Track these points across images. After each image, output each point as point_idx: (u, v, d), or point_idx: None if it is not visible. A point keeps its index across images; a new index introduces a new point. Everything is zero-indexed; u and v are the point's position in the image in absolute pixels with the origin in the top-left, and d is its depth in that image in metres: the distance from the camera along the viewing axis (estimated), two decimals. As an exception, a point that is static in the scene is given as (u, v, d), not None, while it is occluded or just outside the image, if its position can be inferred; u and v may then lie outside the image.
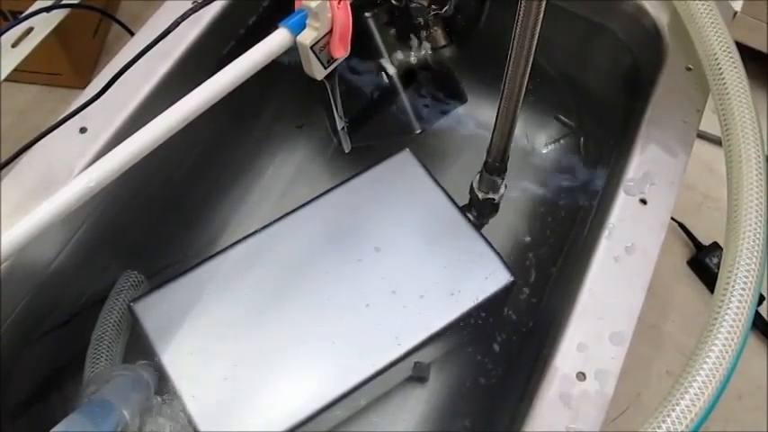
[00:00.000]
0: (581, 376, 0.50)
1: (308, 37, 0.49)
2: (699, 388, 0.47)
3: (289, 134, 0.82)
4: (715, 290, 0.51)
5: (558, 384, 0.50)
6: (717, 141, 0.96)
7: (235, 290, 0.66)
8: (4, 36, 0.68)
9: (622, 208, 0.57)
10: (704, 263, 0.93)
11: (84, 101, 0.54)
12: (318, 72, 0.52)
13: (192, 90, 0.47)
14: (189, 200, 0.76)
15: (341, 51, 0.52)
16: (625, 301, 0.53)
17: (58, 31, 0.71)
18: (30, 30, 0.70)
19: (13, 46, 0.69)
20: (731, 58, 0.61)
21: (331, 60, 0.52)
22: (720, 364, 0.47)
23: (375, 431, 0.68)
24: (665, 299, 0.94)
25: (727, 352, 0.48)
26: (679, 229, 0.97)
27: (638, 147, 0.61)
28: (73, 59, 1.01)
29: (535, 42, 0.51)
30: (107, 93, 0.55)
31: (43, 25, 0.70)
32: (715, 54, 0.61)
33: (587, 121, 0.81)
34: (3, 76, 0.67)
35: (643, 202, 0.58)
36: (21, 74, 1.02)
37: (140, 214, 0.71)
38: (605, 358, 0.51)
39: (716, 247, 0.94)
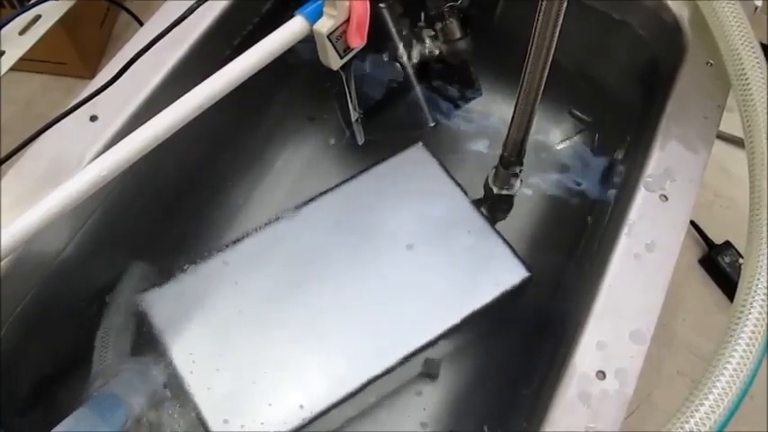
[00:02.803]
0: (600, 375, 0.49)
1: (324, 25, 0.48)
2: (719, 393, 0.46)
3: (300, 126, 0.81)
4: (736, 293, 0.50)
5: (577, 383, 0.49)
6: (729, 139, 0.96)
7: (245, 283, 0.65)
8: (11, 23, 0.67)
9: (642, 204, 0.56)
10: (716, 262, 0.92)
11: (94, 89, 0.53)
12: (334, 62, 0.52)
13: (205, 79, 0.46)
14: (198, 192, 0.75)
15: (358, 41, 0.51)
16: (645, 298, 0.52)
17: (65, 19, 0.70)
18: (37, 17, 0.69)
19: (21, 33, 0.68)
20: (753, 53, 0.59)
21: (347, 50, 0.51)
22: (742, 370, 0.46)
23: (383, 430, 0.67)
24: (676, 298, 0.93)
25: (748, 357, 0.47)
26: (690, 227, 0.96)
27: (658, 142, 0.59)
28: (80, 49, 1.00)
29: (557, 35, 0.50)
30: (118, 81, 0.54)
31: (51, 13, 0.69)
32: (737, 49, 0.60)
33: (603, 117, 0.80)
34: (11, 64, 0.67)
35: (664, 198, 0.57)
36: (27, 63, 1.00)
37: (149, 206, 0.70)
38: (625, 357, 0.50)
39: (728, 245, 0.93)
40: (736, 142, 0.96)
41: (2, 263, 0.52)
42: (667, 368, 0.87)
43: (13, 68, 0.67)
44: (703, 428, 0.44)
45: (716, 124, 0.61)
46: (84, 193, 0.44)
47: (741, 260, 0.90)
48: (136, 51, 0.53)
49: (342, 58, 0.52)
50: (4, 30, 0.66)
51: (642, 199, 0.57)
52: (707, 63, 0.64)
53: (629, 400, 0.49)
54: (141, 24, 0.66)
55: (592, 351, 0.50)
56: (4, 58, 0.66)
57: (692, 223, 0.95)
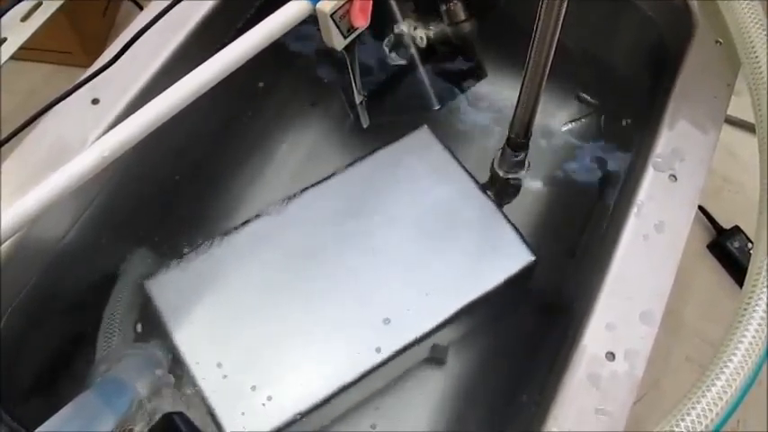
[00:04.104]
0: (610, 356, 0.49)
1: (327, 5, 0.48)
2: (729, 377, 0.45)
3: (302, 111, 0.80)
4: (746, 279, 0.49)
5: (586, 364, 0.49)
6: (737, 123, 0.95)
7: (249, 269, 0.65)
8: (13, 10, 0.66)
9: (651, 184, 0.56)
10: (725, 247, 0.91)
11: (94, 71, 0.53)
12: (338, 42, 0.51)
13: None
14: (201, 177, 0.75)
15: (361, 20, 0.50)
16: (655, 279, 0.52)
17: (67, 8, 0.70)
18: (39, 4, 0.68)
19: (23, 20, 0.68)
20: (763, 31, 0.59)
21: (351, 30, 0.51)
22: (750, 356, 0.46)
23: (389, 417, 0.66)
24: (684, 283, 0.92)
25: (757, 344, 0.46)
26: (699, 212, 0.95)
27: (667, 122, 0.59)
28: (82, 38, 1.00)
29: (563, 14, 0.50)
30: (120, 64, 0.54)
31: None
32: (746, 27, 0.59)
33: (610, 99, 0.79)
34: (13, 51, 0.66)
35: (673, 178, 0.56)
36: (30, 52, 1.00)
37: (152, 191, 0.70)
38: (635, 338, 0.50)
39: (737, 230, 0.92)
40: (745, 126, 0.95)
41: (4, 247, 0.51)
42: (676, 354, 0.87)
43: (16, 58, 0.66)
44: (711, 414, 0.44)
45: (725, 103, 0.61)
46: (86, 175, 0.44)
47: (750, 245, 0.89)
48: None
49: (345, 38, 0.51)
50: (6, 16, 0.66)
51: (651, 179, 0.56)
52: (716, 42, 0.63)
53: (639, 381, 0.49)
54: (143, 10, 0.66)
55: (601, 332, 0.50)
56: (5, 45, 0.66)
57: (701, 208, 0.94)
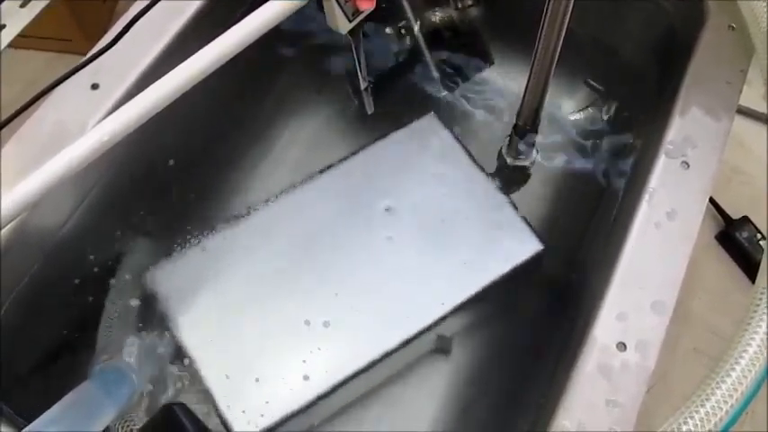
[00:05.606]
0: (621, 347, 0.48)
1: (333, -14, 0.47)
2: (741, 372, 0.44)
3: (306, 99, 0.79)
4: (759, 271, 0.48)
5: (597, 355, 0.48)
6: (747, 113, 0.94)
7: (251, 259, 0.64)
8: (11, -4, 0.65)
9: (663, 171, 0.55)
10: (734, 237, 0.90)
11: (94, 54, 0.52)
12: (343, 25, 0.50)
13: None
14: (203, 165, 0.74)
15: (367, 3, 0.49)
16: (666, 268, 0.51)
17: (67, -5, 0.69)
18: (38, -10, 0.67)
19: (22, 6, 0.67)
20: (778, 15, 0.57)
21: (356, 13, 0.50)
22: (762, 353, 0.45)
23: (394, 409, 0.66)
24: (692, 274, 0.90)
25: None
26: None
27: (679, 109, 0.58)
28: (83, 25, 0.99)
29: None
30: (119, 49, 0.53)
31: (52, -15, 0.68)
32: (760, 13, 0.58)
33: (620, 87, 0.77)
34: (12, 37, 0.65)
35: (685, 165, 0.55)
36: (29, 40, 1.00)
37: (152, 180, 0.69)
38: (646, 328, 0.49)
39: (746, 221, 0.91)
40: (755, 116, 0.94)
41: (4, 233, 0.51)
42: (683, 346, 0.86)
43: (17, 46, 0.65)
44: (725, 406, 0.43)
45: (738, 90, 0.59)
46: (85, 160, 0.43)
47: (759, 236, 0.88)
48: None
49: (350, 21, 0.50)
50: (5, 3, 0.65)
51: (663, 166, 0.55)
52: (729, 27, 0.62)
53: (651, 373, 0.48)
54: (144, -3, 0.65)
55: (612, 322, 0.49)
56: (5, 31, 0.65)
57: (709, 198, 0.93)
